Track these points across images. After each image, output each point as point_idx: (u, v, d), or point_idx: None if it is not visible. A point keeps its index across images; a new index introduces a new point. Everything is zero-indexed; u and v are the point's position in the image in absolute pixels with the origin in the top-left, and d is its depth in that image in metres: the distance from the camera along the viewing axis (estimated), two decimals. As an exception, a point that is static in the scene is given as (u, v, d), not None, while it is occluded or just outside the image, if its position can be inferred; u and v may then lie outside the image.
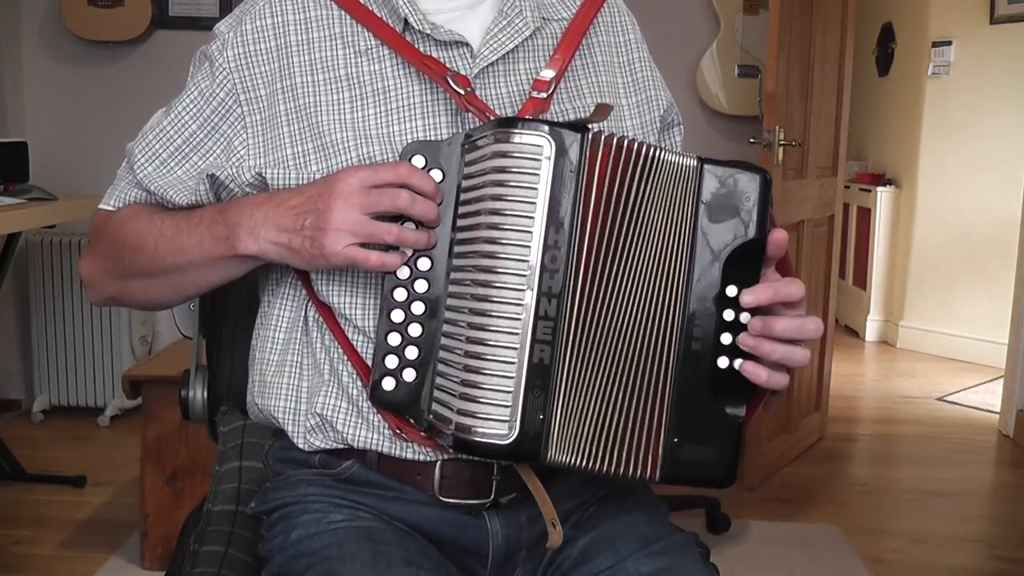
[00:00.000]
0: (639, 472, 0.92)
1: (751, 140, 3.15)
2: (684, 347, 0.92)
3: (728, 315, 0.92)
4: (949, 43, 4.73)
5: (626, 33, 1.13)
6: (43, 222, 2.82)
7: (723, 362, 0.92)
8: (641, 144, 0.91)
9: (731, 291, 0.91)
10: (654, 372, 0.92)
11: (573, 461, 0.90)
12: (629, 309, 0.91)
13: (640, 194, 0.90)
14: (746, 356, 0.91)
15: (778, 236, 0.92)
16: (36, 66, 3.65)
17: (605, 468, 0.91)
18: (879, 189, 5.13)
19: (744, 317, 0.91)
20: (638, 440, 0.92)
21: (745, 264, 0.91)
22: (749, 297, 0.91)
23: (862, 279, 5.34)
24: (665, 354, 0.92)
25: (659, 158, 0.91)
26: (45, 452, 3.24)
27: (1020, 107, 4.51)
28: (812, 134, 3.23)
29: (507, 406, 0.87)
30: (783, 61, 2.95)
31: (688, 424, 0.92)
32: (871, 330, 5.24)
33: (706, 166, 0.91)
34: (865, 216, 5.26)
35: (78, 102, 3.66)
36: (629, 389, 0.91)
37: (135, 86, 3.59)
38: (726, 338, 0.92)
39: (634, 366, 0.91)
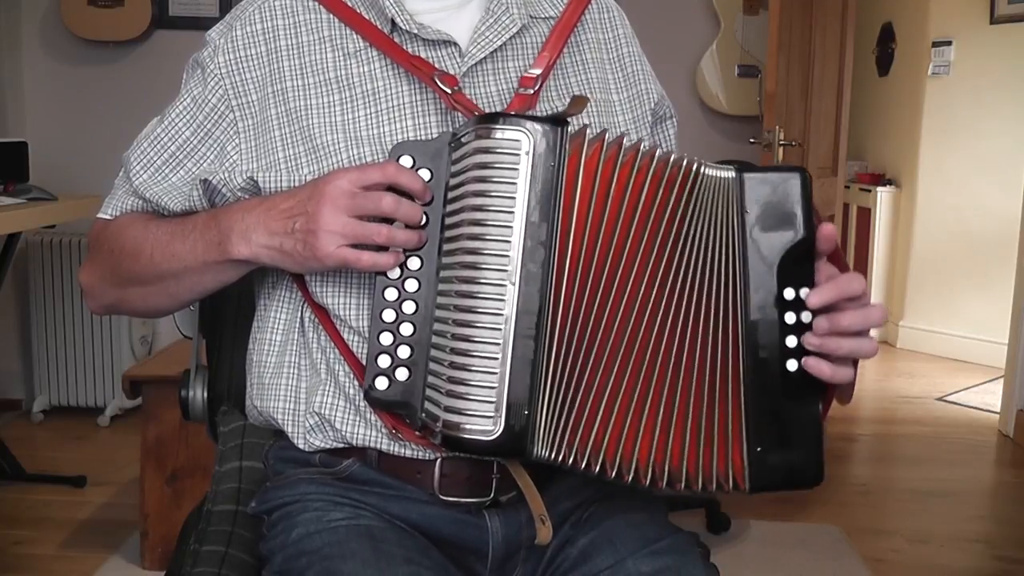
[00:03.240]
0: (716, 484, 0.91)
1: (751, 140, 3.15)
2: (752, 357, 0.91)
3: (789, 318, 0.91)
4: (949, 43, 4.73)
5: (615, 28, 1.13)
6: (43, 222, 2.82)
7: (792, 365, 0.91)
8: (675, 156, 0.91)
9: (788, 294, 0.91)
10: (718, 384, 0.91)
11: (571, 459, 0.90)
12: (660, 315, 0.90)
13: (674, 202, 0.90)
14: (811, 353, 0.91)
15: (827, 230, 0.92)
16: (36, 66, 3.65)
17: (646, 481, 0.90)
18: (879, 189, 5.13)
19: (805, 316, 0.91)
20: (706, 452, 0.91)
21: (799, 264, 0.91)
22: (816, 298, 0.91)
23: (862, 279, 5.33)
24: (732, 366, 0.91)
25: (700, 172, 0.91)
26: (45, 452, 3.24)
27: (1020, 107, 4.51)
28: (812, 134, 3.23)
29: (492, 402, 0.87)
30: (783, 61, 2.95)
31: (769, 431, 0.91)
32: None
33: (745, 174, 0.91)
34: (865, 216, 5.25)
35: (78, 102, 3.65)
36: (681, 402, 0.91)
37: (135, 86, 3.59)
38: (791, 341, 0.91)
39: (685, 377, 0.91)
